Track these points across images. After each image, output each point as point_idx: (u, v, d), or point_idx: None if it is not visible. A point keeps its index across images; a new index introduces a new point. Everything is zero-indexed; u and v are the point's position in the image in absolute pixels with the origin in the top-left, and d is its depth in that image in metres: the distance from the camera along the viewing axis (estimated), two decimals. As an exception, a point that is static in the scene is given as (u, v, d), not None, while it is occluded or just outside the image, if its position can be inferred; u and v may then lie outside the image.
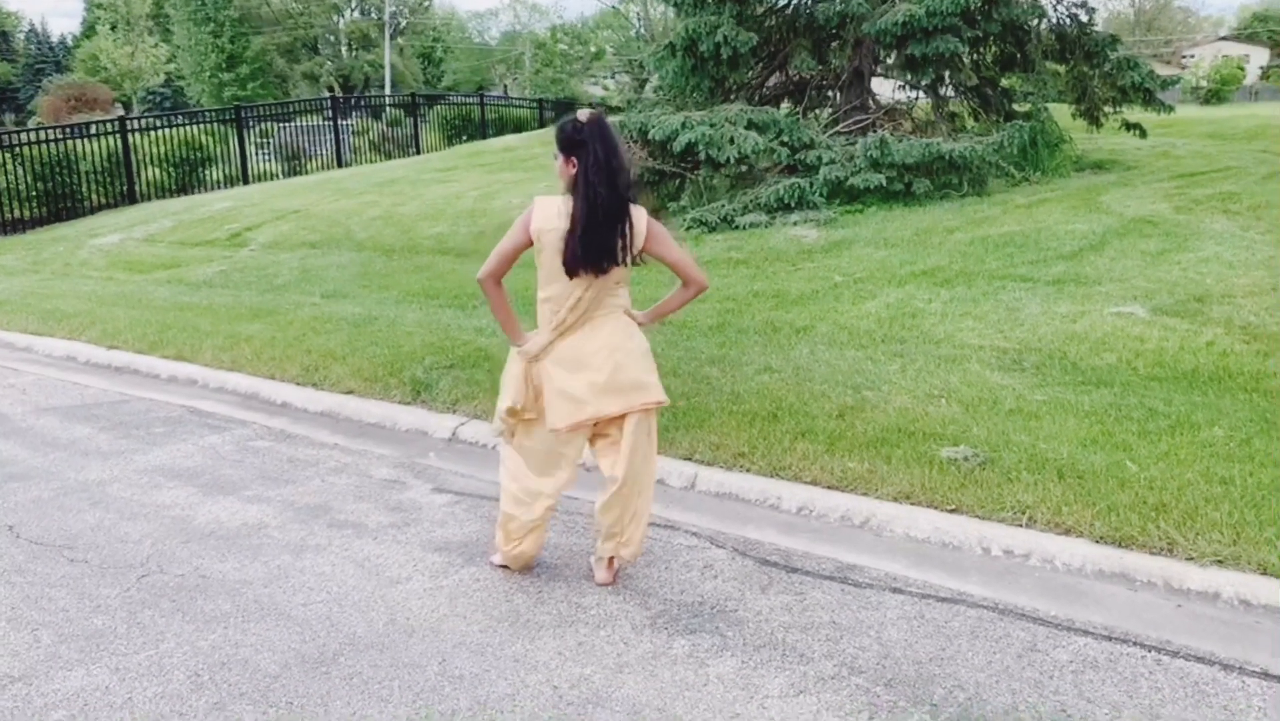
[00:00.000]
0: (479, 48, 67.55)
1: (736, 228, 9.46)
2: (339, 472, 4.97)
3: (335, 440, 5.48)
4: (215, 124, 19.39)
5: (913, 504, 4.15)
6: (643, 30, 53.92)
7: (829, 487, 4.35)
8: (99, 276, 10.78)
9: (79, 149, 16.27)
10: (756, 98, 12.00)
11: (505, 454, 3.68)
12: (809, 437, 4.73)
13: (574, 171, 3.32)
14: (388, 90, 50.49)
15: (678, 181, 10.57)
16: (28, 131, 17.05)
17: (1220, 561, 3.56)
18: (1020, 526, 3.92)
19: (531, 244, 3.40)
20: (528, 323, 3.55)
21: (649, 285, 6.32)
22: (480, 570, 3.81)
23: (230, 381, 6.54)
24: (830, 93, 12.46)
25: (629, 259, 3.38)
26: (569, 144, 3.35)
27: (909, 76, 11.30)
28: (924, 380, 5.41)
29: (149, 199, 17.06)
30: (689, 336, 6.51)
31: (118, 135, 16.81)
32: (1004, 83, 12.17)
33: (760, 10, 11.70)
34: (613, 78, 57.25)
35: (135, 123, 17.80)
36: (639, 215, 3.39)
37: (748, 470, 4.58)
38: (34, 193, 15.60)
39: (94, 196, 16.44)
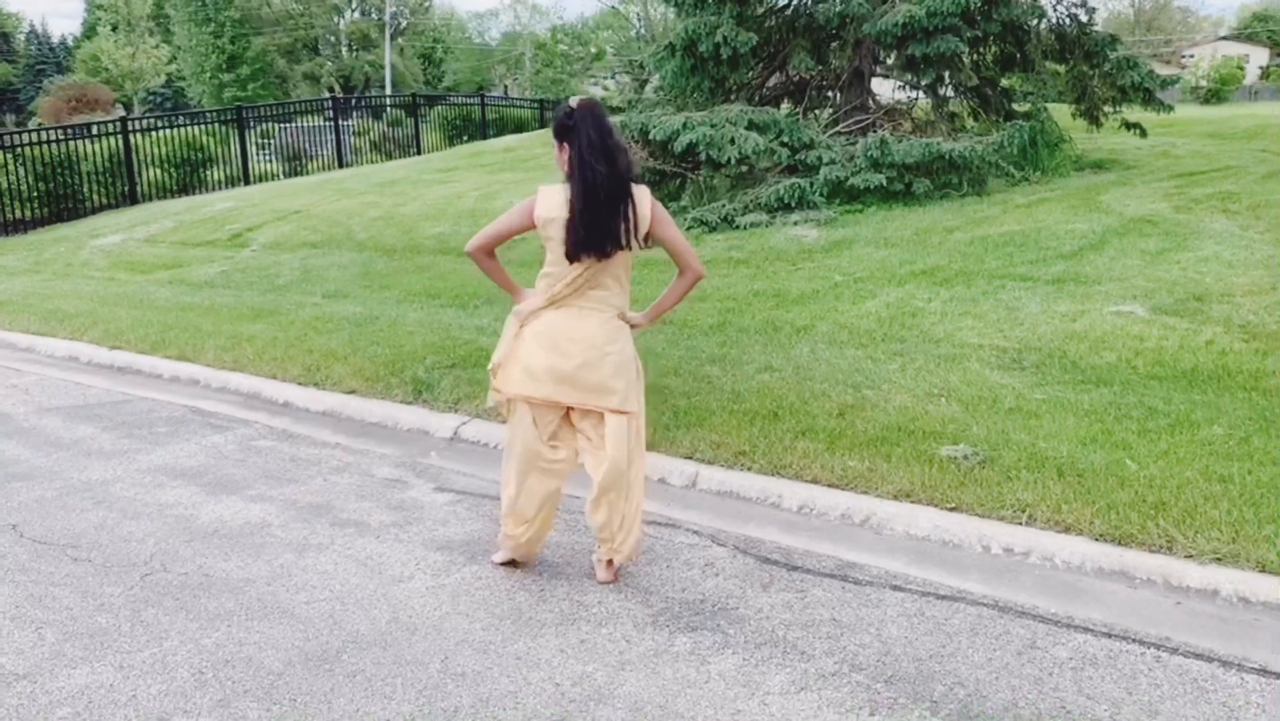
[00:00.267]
0: (479, 48, 67.59)
1: (737, 227, 9.48)
2: (341, 472, 4.98)
3: (337, 439, 5.50)
4: (216, 124, 19.41)
5: (913, 502, 4.17)
6: (643, 31, 53.97)
7: (829, 486, 4.37)
8: (101, 277, 10.79)
9: (80, 149, 16.29)
10: (757, 98, 12.01)
11: (506, 439, 3.69)
12: (809, 436, 4.75)
13: (568, 156, 3.34)
14: (388, 91, 50.53)
15: (678, 181, 10.59)
16: (29, 132, 17.07)
17: (1219, 559, 3.57)
18: (1020, 524, 3.93)
19: (531, 228, 3.42)
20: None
21: (651, 285, 6.34)
22: (482, 568, 3.82)
23: (232, 381, 6.56)
24: (830, 93, 12.47)
25: (633, 241, 3.38)
26: (562, 130, 3.36)
27: (909, 77, 11.31)
28: (924, 379, 5.42)
29: (150, 199, 17.09)
30: (690, 335, 6.53)
31: (119, 136, 16.83)
32: (1004, 82, 12.18)
33: (760, 10, 11.71)
34: (613, 78, 57.25)
35: (136, 123, 17.82)
36: (642, 195, 3.40)
37: (749, 469, 4.59)
38: (35, 193, 15.62)
39: (95, 197, 16.46)
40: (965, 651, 3.16)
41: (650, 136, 10.11)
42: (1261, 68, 46.31)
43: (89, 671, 3.13)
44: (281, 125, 21.99)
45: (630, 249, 3.40)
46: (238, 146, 18.94)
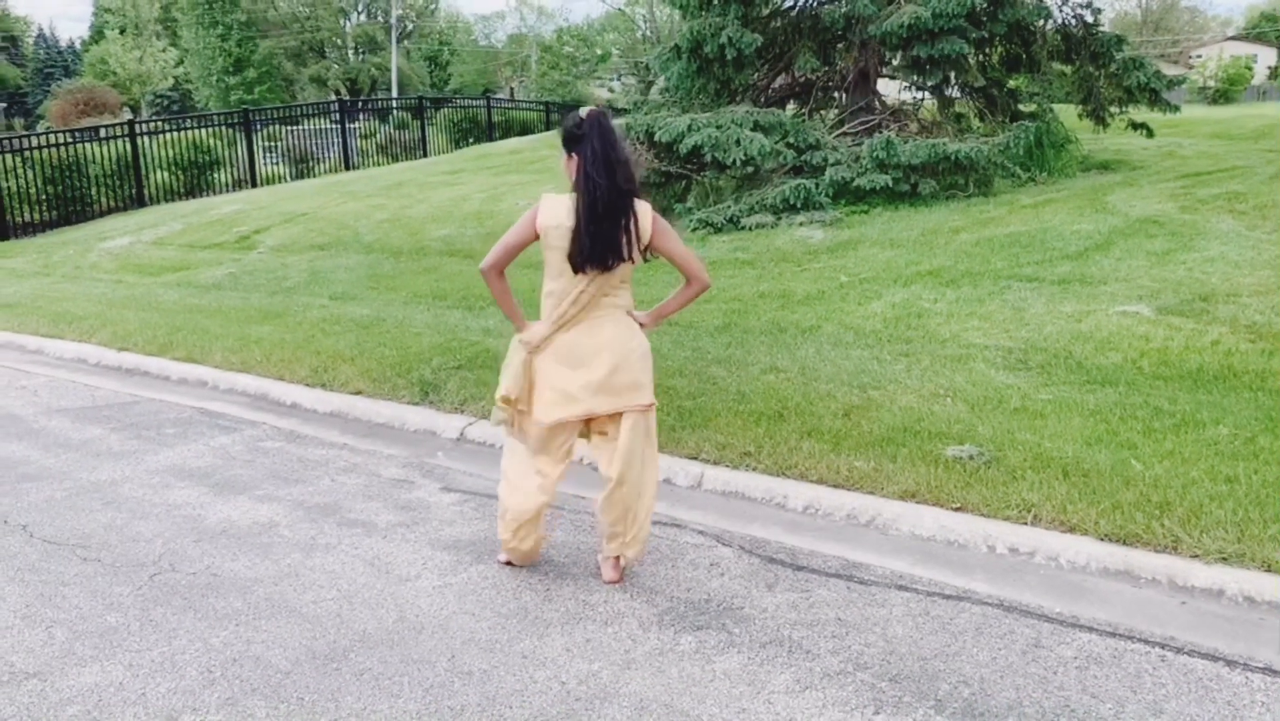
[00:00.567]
0: (485, 50, 67.66)
1: (743, 229, 9.49)
2: (348, 472, 5.01)
3: (344, 440, 5.53)
4: (223, 127, 19.48)
5: (918, 502, 4.17)
6: (649, 32, 54.00)
7: (835, 486, 4.38)
8: (109, 279, 10.84)
9: (88, 152, 16.39)
10: (762, 99, 12.03)
11: (506, 444, 3.72)
12: (815, 437, 4.76)
13: (575, 167, 3.36)
14: (394, 93, 50.59)
15: (684, 183, 10.62)
16: (37, 135, 17.16)
17: (1225, 559, 3.57)
18: (1025, 524, 3.94)
19: (536, 239, 3.43)
20: (532, 317, 3.59)
21: (653, 286, 6.36)
22: (489, 568, 3.84)
23: (240, 383, 6.59)
24: (836, 94, 12.48)
25: (634, 254, 3.40)
26: (570, 140, 3.39)
27: (915, 77, 11.32)
28: (929, 380, 5.43)
29: (158, 202, 17.16)
30: (696, 336, 6.54)
31: (127, 139, 16.91)
32: (1010, 83, 12.19)
33: (765, 12, 11.74)
34: (619, 80, 57.36)
35: (144, 126, 17.90)
36: (643, 209, 3.41)
37: (754, 469, 4.60)
38: (44, 196, 15.71)
39: (103, 200, 16.54)
40: (970, 650, 3.16)
41: (655, 138, 10.14)
42: (1270, 68, 46.21)
43: (99, 670, 3.15)
44: (288, 128, 22.06)
45: (633, 261, 3.42)
46: (245, 149, 19.01)
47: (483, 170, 16.21)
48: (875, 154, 9.86)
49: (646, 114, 11.34)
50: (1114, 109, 11.68)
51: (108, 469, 5.10)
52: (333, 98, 46.82)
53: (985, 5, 10.36)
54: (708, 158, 9.90)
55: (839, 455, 4.56)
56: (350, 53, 58.75)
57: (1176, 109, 11.73)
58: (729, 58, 10.92)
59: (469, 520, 4.34)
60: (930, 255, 7.97)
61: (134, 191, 17.01)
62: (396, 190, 14.53)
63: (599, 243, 3.33)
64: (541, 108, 28.08)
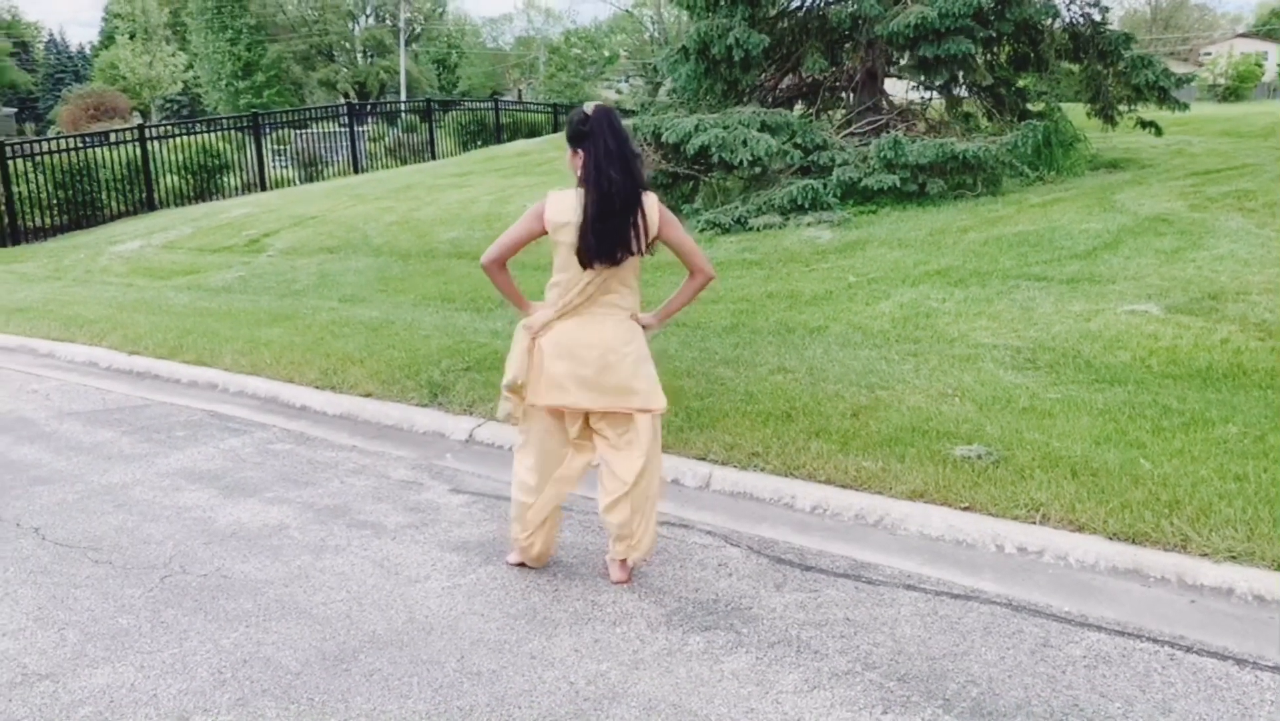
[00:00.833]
0: (493, 53, 67.76)
1: (750, 229, 9.49)
2: (358, 474, 5.03)
3: (354, 442, 5.55)
4: (233, 131, 19.56)
5: (926, 502, 4.17)
6: (656, 34, 53.99)
7: (843, 486, 4.38)
8: (119, 283, 10.90)
9: (99, 157, 16.48)
10: (769, 100, 12.02)
11: (519, 443, 3.73)
12: (823, 437, 4.76)
13: (582, 162, 3.36)
14: (403, 96, 50.72)
15: (691, 184, 10.62)
16: (48, 140, 17.27)
17: (1234, 557, 3.56)
18: (1034, 523, 3.93)
19: (542, 234, 3.44)
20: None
21: (660, 287, 6.36)
22: (497, 569, 3.85)
23: (250, 385, 6.62)
24: (843, 94, 12.47)
25: (643, 247, 3.41)
26: (577, 136, 3.40)
27: (922, 77, 11.29)
28: (938, 379, 5.42)
29: (168, 206, 17.25)
30: (703, 337, 6.55)
31: (137, 143, 17.00)
32: (1018, 82, 12.15)
33: (772, 13, 11.73)
34: (626, 81, 57.31)
35: (154, 130, 17.98)
36: (650, 201, 3.43)
37: (762, 469, 4.61)
38: (55, 201, 15.81)
39: (113, 204, 16.63)
40: (978, 650, 3.16)
41: (663, 139, 10.14)
42: (1280, 65, 46.00)
43: (110, 671, 3.17)
44: (297, 131, 22.15)
45: (641, 254, 3.44)
46: (254, 153, 19.09)
47: (491, 172, 16.24)
48: (883, 154, 9.85)
49: (654, 115, 11.34)
50: (1122, 107, 11.63)
51: (119, 472, 5.13)
52: (341, 101, 46.95)
53: (992, 4, 10.33)
54: (715, 158, 9.90)
55: (847, 455, 4.56)
56: (359, 56, 58.87)
57: (1185, 107, 11.69)
58: (736, 59, 10.92)
59: (478, 521, 4.35)
60: (938, 255, 7.96)
61: (144, 195, 17.09)
62: (405, 193, 14.56)
63: (608, 238, 3.34)
64: (549, 110, 28.11)
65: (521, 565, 3.84)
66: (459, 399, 5.86)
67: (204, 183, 18.19)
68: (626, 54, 60.57)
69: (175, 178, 17.67)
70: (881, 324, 6.54)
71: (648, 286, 4.10)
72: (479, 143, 23.64)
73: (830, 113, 12.28)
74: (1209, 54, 43.05)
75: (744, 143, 9.82)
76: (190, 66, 55.47)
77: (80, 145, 16.57)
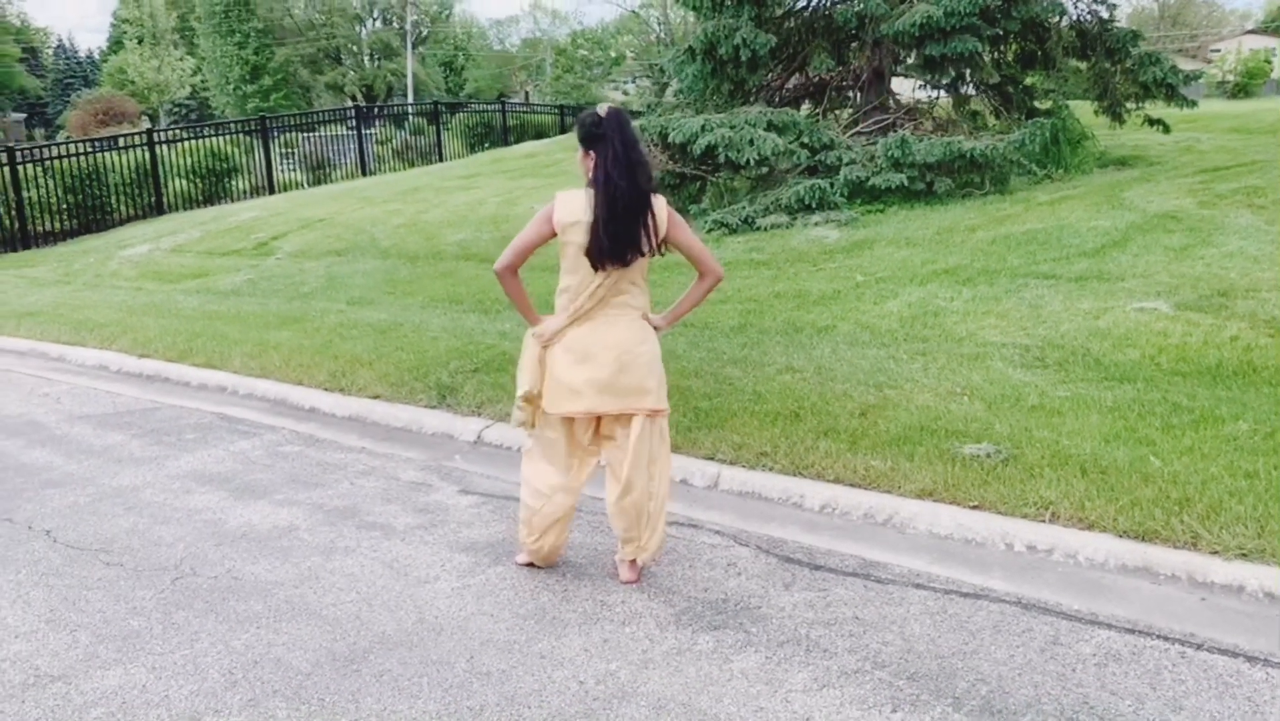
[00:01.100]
0: (500, 55, 67.83)
1: (758, 229, 9.49)
2: (367, 475, 5.04)
3: (363, 444, 5.56)
4: (241, 135, 19.62)
5: (935, 501, 4.17)
6: (663, 34, 54.00)
7: (852, 485, 4.38)
8: (129, 287, 10.94)
9: (108, 161, 16.54)
10: (776, 99, 12.02)
11: (527, 446, 3.74)
12: (831, 436, 4.76)
13: (593, 164, 3.37)
14: (410, 99, 50.80)
15: (698, 184, 10.62)
16: (57, 145, 17.34)
17: (1245, 555, 3.55)
18: (1043, 522, 3.93)
19: (553, 236, 3.45)
20: (546, 316, 3.62)
21: (669, 288, 6.36)
22: (507, 569, 3.86)
23: (259, 388, 6.64)
24: (850, 93, 12.46)
25: (653, 248, 3.42)
26: (588, 138, 3.41)
27: (929, 76, 11.28)
28: (946, 378, 5.42)
29: (176, 210, 17.30)
30: (711, 337, 6.55)
31: (145, 147, 17.06)
32: (1025, 80, 12.13)
33: (779, 13, 11.73)
34: (633, 82, 57.33)
35: (162, 135, 18.04)
36: (659, 203, 3.45)
37: (770, 469, 4.61)
38: (64, 205, 15.88)
39: (123, 208, 16.70)
40: (988, 648, 3.16)
41: (669, 139, 10.14)
42: (1289, 61, 45.76)
43: (122, 672, 3.18)
44: (305, 135, 22.20)
45: (650, 255, 3.45)
46: (262, 156, 19.15)
47: (498, 174, 16.26)
48: (890, 153, 9.83)
49: (660, 116, 11.35)
50: (1130, 105, 11.60)
51: (129, 474, 5.15)
52: (349, 104, 47.07)
53: (999, 2, 10.32)
54: (721, 158, 9.90)
55: (856, 454, 4.56)
56: (366, 59, 58.98)
57: (1194, 104, 11.65)
58: (743, 59, 10.92)
59: (487, 522, 4.36)
60: (946, 253, 7.95)
61: (153, 199, 17.15)
62: (412, 195, 14.59)
63: (618, 241, 3.36)
64: (556, 111, 28.14)
65: (530, 565, 3.85)
66: (467, 400, 5.88)
67: (212, 186, 18.24)
68: (633, 55, 60.59)
69: (184, 181, 17.73)
70: (889, 323, 6.54)
71: (657, 288, 4.11)
72: (486, 145, 23.67)
73: (837, 112, 12.27)
74: (1217, 50, 42.90)
75: (751, 142, 9.82)
76: (198, 71, 55.63)
77: (89, 150, 16.64)
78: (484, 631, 3.38)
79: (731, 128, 9.93)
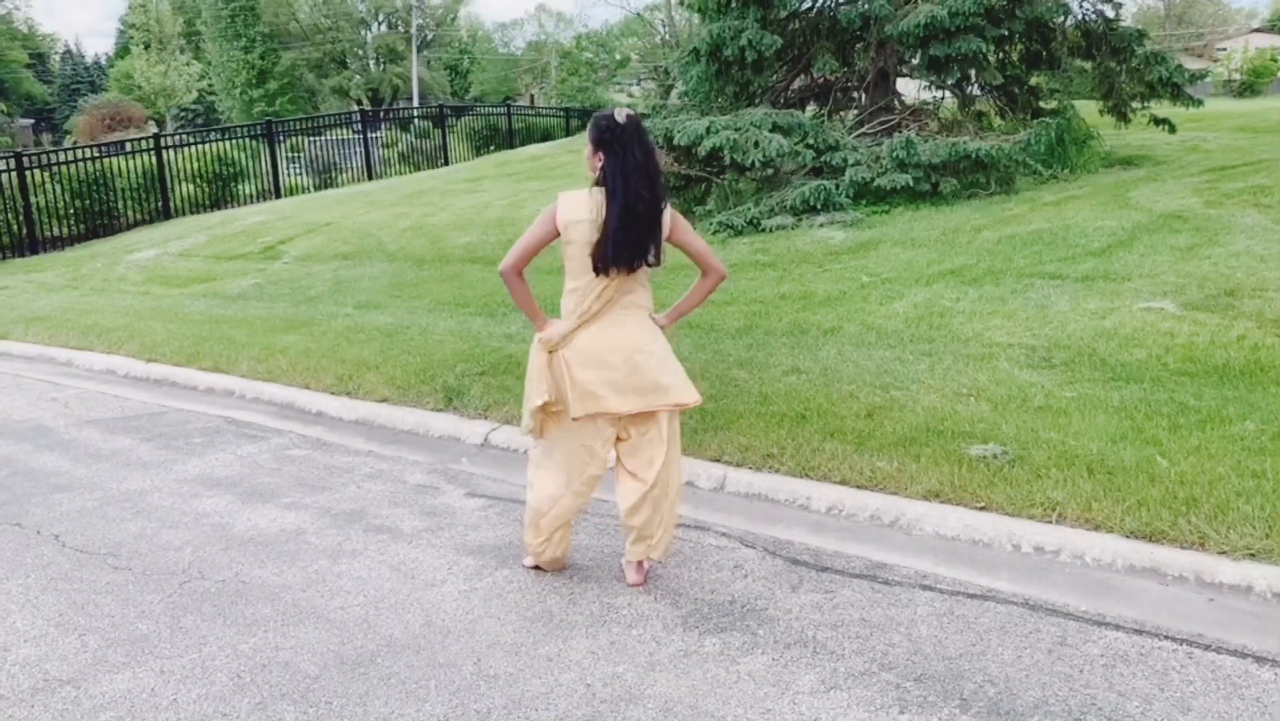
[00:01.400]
0: (505, 58, 67.89)
1: (763, 230, 9.49)
2: (374, 479, 5.05)
3: (370, 447, 5.57)
4: (247, 139, 19.69)
5: (942, 502, 4.17)
6: (667, 36, 54.01)
7: (858, 487, 4.37)
8: (136, 291, 10.98)
9: (115, 167, 16.61)
10: (781, 101, 12.02)
11: (533, 450, 3.73)
12: (838, 438, 4.76)
13: (601, 165, 3.36)
14: (415, 102, 50.87)
15: (704, 186, 10.62)
16: (65, 151, 17.40)
17: (1253, 555, 3.54)
18: (1050, 523, 3.92)
19: (557, 236, 3.44)
20: (553, 318, 3.61)
21: (672, 289, 6.35)
22: (514, 572, 3.87)
23: (266, 392, 6.66)
24: (855, 94, 12.45)
25: (658, 258, 3.43)
26: (603, 140, 3.38)
27: (933, 76, 11.27)
28: (952, 379, 5.41)
29: (183, 214, 17.36)
30: (717, 339, 6.55)
31: (152, 152, 17.13)
32: (1030, 80, 12.11)
33: (783, 14, 11.72)
34: (638, 84, 57.37)
35: (169, 140, 18.10)
36: (665, 211, 3.45)
37: (777, 471, 4.61)
38: (72, 210, 15.94)
39: (130, 213, 16.76)
40: (995, 649, 3.16)
41: (675, 141, 10.14)
42: (1295, 59, 45.59)
43: (131, 676, 3.20)
44: (311, 139, 22.27)
45: (653, 265, 3.45)
46: (268, 160, 19.19)
47: (504, 177, 16.29)
48: (895, 154, 9.83)
49: (665, 117, 11.35)
50: (1136, 104, 11.56)
51: (137, 479, 5.17)
52: (354, 108, 47.17)
53: (1003, 3, 10.30)
54: (727, 160, 9.90)
55: (862, 456, 4.56)
56: (371, 63, 59.06)
57: (1200, 103, 11.61)
58: (748, 60, 10.93)
59: (493, 525, 4.36)
60: (952, 254, 7.94)
61: (160, 204, 17.21)
62: (418, 199, 14.62)
63: (627, 249, 3.35)
64: (562, 114, 28.19)
65: (537, 568, 3.85)
66: (474, 403, 5.88)
67: (219, 191, 18.29)
68: (638, 57, 60.62)
69: (190, 186, 17.79)
70: (895, 324, 6.53)
71: (659, 288, 4.10)
72: (492, 148, 23.70)
73: (842, 113, 12.26)
74: (1223, 49, 42.77)
75: (756, 144, 9.82)
76: (204, 75, 55.81)
77: (96, 155, 16.72)
78: (491, 634, 3.39)
79: (737, 129, 9.94)
